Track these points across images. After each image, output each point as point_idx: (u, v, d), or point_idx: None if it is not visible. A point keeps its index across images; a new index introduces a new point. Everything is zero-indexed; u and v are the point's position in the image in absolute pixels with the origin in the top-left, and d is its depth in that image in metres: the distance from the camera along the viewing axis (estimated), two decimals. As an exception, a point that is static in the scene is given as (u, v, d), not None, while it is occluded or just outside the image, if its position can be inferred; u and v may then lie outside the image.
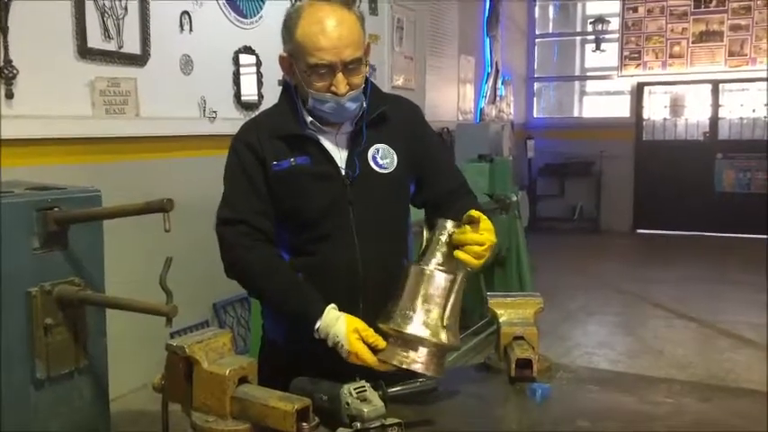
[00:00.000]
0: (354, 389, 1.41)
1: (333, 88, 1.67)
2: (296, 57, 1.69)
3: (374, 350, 1.55)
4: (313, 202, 1.73)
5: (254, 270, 1.72)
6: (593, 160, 9.48)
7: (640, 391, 1.71)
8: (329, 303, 1.64)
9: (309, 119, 1.75)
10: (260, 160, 1.74)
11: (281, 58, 1.76)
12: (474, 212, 1.56)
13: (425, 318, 1.51)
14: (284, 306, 1.71)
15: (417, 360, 1.50)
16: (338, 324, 1.60)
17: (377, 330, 1.58)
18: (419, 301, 1.52)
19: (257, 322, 2.44)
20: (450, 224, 1.56)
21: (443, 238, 1.55)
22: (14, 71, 3.06)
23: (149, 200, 2.12)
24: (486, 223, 1.56)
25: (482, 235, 1.54)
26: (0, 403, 2.12)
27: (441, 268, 1.53)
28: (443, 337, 1.50)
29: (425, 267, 1.54)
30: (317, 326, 1.62)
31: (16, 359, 2.16)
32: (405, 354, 1.51)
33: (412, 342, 1.50)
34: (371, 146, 1.78)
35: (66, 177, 2.86)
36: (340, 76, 1.66)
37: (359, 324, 1.59)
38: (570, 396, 1.67)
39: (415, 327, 1.50)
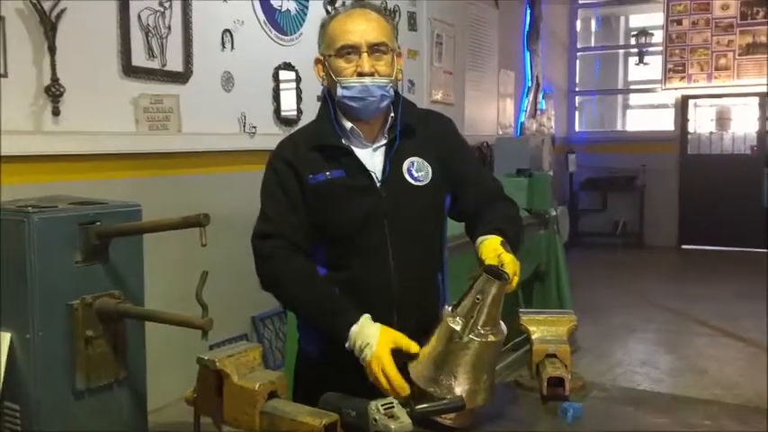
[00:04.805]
0: (382, 405, 1.40)
1: (358, 69, 1.72)
2: (327, 51, 1.77)
3: (400, 369, 1.55)
4: (348, 214, 1.75)
5: (289, 281, 1.73)
6: (636, 174, 9.34)
7: (677, 412, 1.68)
8: (366, 314, 1.65)
9: (349, 125, 1.78)
10: (296, 174, 1.77)
11: (316, 61, 1.83)
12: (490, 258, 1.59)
13: (452, 381, 1.52)
14: (319, 315, 1.71)
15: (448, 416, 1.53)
16: (372, 329, 1.59)
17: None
18: (454, 366, 1.52)
19: (293, 336, 2.46)
20: (486, 285, 1.52)
21: (485, 298, 1.51)
22: (61, 89, 3.15)
23: (189, 214, 2.17)
24: (505, 258, 1.57)
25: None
26: (41, 414, 2.18)
27: (480, 333, 1.52)
28: (479, 400, 1.54)
29: (465, 337, 1.51)
30: (350, 330, 1.60)
31: (57, 370, 2.21)
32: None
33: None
34: (406, 159, 1.80)
35: (110, 192, 2.94)
36: (365, 56, 1.72)
37: (396, 335, 1.59)
38: (603, 416, 1.64)
39: (438, 390, 1.52)
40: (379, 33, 1.74)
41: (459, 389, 1.50)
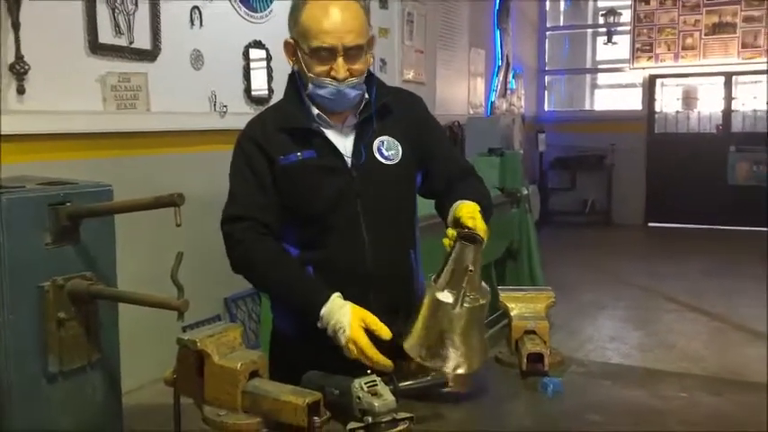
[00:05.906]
0: (365, 383, 1.41)
1: (332, 73, 1.68)
2: (300, 41, 1.71)
3: (375, 342, 1.56)
4: (320, 194, 1.74)
5: (261, 263, 1.73)
6: (604, 153, 9.43)
7: (652, 385, 1.71)
8: (336, 293, 1.65)
9: (316, 111, 1.76)
10: (266, 155, 1.74)
11: (286, 44, 1.77)
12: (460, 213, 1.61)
13: (453, 351, 1.54)
14: (290, 297, 1.72)
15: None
16: (343, 310, 1.60)
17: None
18: (452, 337, 1.53)
19: (267, 317, 2.45)
20: (463, 251, 1.54)
21: (467, 264, 1.53)
22: (26, 67, 3.07)
23: (160, 194, 2.13)
24: (479, 225, 1.60)
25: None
26: (12, 397, 2.14)
27: (470, 299, 1.53)
28: (475, 364, 1.57)
29: (459, 308, 1.52)
30: (321, 312, 1.61)
31: (29, 353, 2.17)
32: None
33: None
34: (377, 138, 1.79)
35: (78, 172, 2.87)
36: (340, 60, 1.67)
37: (366, 314, 1.59)
38: (582, 390, 1.67)
39: (442, 363, 1.54)
40: (356, 35, 1.67)
41: (461, 357, 1.53)
